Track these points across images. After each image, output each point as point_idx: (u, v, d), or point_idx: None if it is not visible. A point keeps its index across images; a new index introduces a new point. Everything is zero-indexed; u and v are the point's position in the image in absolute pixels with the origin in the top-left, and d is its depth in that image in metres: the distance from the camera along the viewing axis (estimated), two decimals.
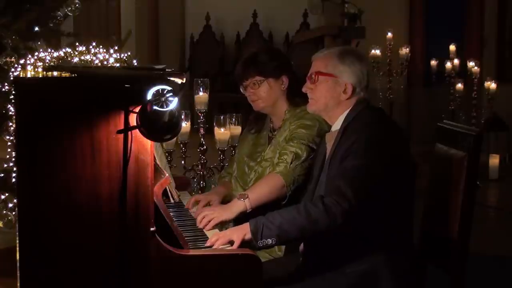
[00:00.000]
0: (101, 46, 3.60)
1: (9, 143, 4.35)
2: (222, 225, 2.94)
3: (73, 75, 2.53)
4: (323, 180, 2.72)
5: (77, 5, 4.99)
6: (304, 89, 2.81)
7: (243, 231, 2.55)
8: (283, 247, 3.05)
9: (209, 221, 2.83)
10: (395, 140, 2.66)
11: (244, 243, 2.53)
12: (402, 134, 2.76)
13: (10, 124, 4.06)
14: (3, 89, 4.40)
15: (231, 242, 2.54)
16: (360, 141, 2.59)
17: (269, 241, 2.53)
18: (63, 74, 2.56)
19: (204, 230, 2.82)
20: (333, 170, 2.64)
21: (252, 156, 3.34)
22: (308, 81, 2.78)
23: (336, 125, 2.75)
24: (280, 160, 3.08)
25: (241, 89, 3.29)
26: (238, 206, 2.93)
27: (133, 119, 2.25)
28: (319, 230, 2.53)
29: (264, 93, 3.22)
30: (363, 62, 2.77)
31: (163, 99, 2.20)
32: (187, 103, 4.47)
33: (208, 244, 2.56)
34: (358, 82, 2.73)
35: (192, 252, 2.45)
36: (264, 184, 3.04)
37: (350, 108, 2.73)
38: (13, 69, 3.51)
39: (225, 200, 3.20)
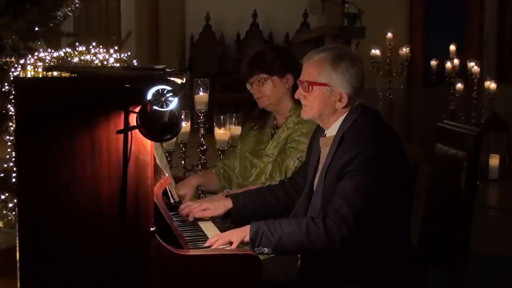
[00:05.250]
0: (101, 46, 3.60)
1: (9, 143, 4.35)
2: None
3: (73, 75, 2.53)
4: (319, 190, 2.66)
5: (77, 5, 5.00)
6: (296, 96, 2.72)
7: (243, 233, 2.55)
8: None
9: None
10: (393, 151, 2.60)
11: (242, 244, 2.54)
12: (397, 140, 2.68)
13: (10, 124, 4.06)
14: (3, 89, 4.40)
15: (230, 243, 2.54)
16: (358, 160, 2.51)
17: (265, 250, 2.52)
18: (63, 74, 2.55)
19: (200, 224, 2.85)
20: (330, 185, 2.59)
21: (255, 153, 3.35)
22: (301, 88, 2.68)
23: (331, 131, 2.68)
24: (273, 178, 3.17)
25: (247, 86, 3.30)
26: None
27: (133, 119, 2.25)
28: (317, 250, 2.53)
29: (268, 91, 3.23)
30: (357, 66, 2.63)
31: (163, 99, 2.20)
32: (187, 103, 4.47)
33: (207, 244, 2.56)
34: (353, 91, 2.62)
35: (192, 252, 2.44)
36: None
37: (345, 115, 2.65)
38: (13, 69, 3.50)
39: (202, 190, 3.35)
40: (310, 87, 2.64)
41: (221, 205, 2.94)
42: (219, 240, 2.55)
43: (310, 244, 2.50)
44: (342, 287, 2.60)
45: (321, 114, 2.67)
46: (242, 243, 2.54)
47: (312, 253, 2.61)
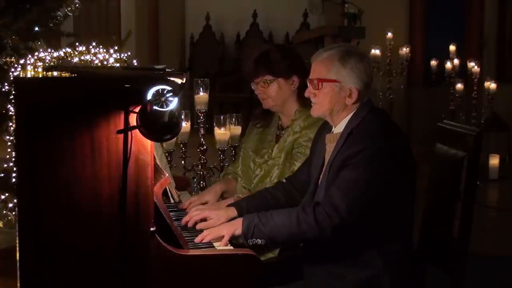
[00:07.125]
0: (101, 46, 3.60)
1: (9, 143, 4.35)
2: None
3: (73, 75, 2.54)
4: (323, 184, 2.67)
5: (77, 5, 5.00)
6: (307, 94, 2.73)
7: (233, 227, 2.58)
8: (277, 249, 3.05)
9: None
10: (399, 151, 2.60)
11: (233, 238, 2.56)
12: (405, 139, 2.69)
13: (10, 124, 4.06)
14: (3, 89, 4.41)
15: (221, 237, 2.57)
16: (364, 153, 2.52)
17: (259, 241, 2.55)
18: (63, 74, 2.56)
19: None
20: (333, 177, 2.60)
21: (258, 152, 3.33)
22: (311, 86, 2.69)
23: (339, 128, 2.69)
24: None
25: (251, 85, 3.28)
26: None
27: (133, 119, 2.25)
28: (308, 239, 2.55)
29: (273, 92, 3.20)
30: (365, 61, 2.66)
31: (163, 99, 2.20)
32: (187, 103, 4.47)
33: (198, 239, 2.57)
34: (363, 86, 2.64)
35: (192, 252, 2.45)
36: None
37: (354, 112, 2.67)
38: (13, 69, 3.50)
39: (224, 197, 3.25)
40: (320, 84, 2.66)
41: (222, 215, 2.85)
42: (209, 235, 2.58)
43: (301, 233, 2.52)
44: (341, 284, 2.60)
45: (331, 110, 2.68)
46: (233, 235, 2.56)
47: (304, 243, 2.63)
